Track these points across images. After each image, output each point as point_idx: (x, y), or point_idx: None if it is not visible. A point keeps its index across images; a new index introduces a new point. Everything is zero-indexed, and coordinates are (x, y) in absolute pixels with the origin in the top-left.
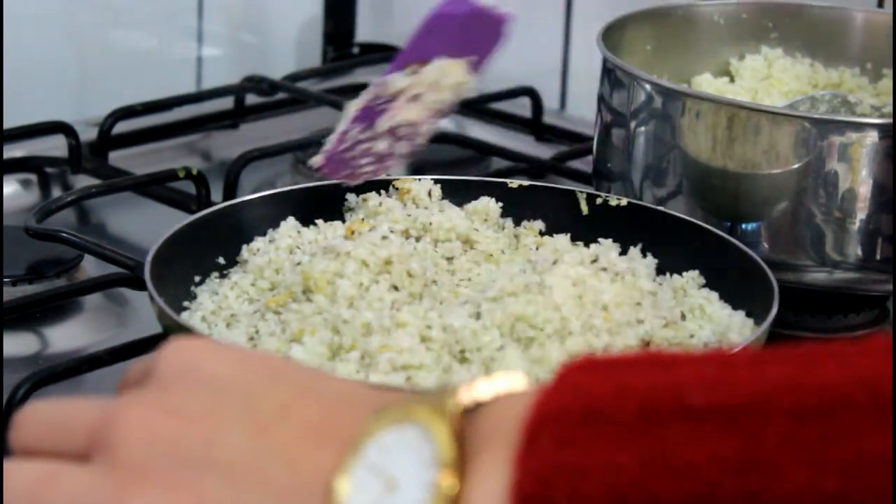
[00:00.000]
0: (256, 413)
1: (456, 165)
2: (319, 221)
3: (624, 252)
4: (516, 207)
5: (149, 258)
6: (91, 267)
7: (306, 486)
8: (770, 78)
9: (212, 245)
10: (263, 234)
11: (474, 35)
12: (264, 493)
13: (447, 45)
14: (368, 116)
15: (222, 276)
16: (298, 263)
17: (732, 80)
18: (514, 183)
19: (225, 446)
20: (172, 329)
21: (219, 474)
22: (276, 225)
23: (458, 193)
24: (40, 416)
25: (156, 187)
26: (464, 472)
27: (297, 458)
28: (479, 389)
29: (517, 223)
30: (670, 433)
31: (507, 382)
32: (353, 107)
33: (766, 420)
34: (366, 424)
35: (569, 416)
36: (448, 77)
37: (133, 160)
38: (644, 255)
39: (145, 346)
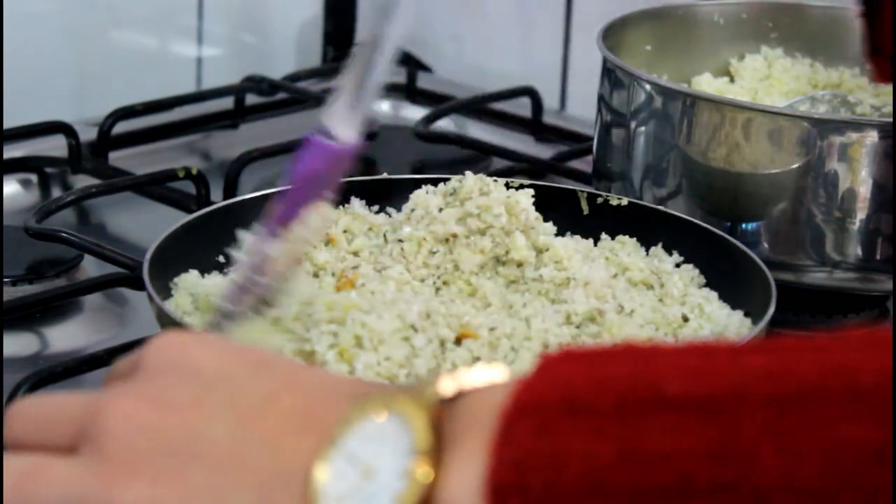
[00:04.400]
0: (240, 403)
1: (456, 165)
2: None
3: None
4: None
5: (147, 257)
6: (91, 267)
7: (288, 475)
8: (770, 78)
9: (212, 244)
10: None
11: (335, 169)
12: (247, 482)
13: (313, 194)
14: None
15: (223, 275)
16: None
17: (732, 80)
18: (514, 183)
19: (209, 436)
20: (172, 328)
21: (203, 464)
22: None
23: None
24: (30, 410)
25: (155, 187)
26: (441, 461)
27: (280, 448)
28: (459, 380)
29: None
30: (648, 423)
31: (489, 373)
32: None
33: (743, 410)
34: (346, 414)
35: (547, 405)
36: (315, 221)
37: (133, 160)
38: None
39: None
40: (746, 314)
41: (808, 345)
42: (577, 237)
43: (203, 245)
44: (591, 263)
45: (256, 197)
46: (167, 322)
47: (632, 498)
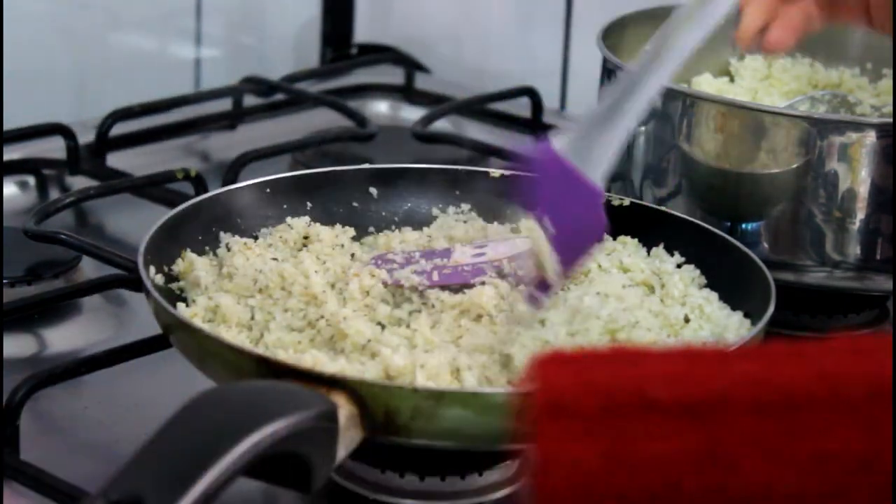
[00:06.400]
0: None
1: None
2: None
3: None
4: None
5: (141, 249)
6: (89, 268)
7: None
8: (770, 78)
9: (211, 243)
10: (262, 228)
11: (557, 198)
12: None
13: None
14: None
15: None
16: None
17: (732, 80)
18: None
19: None
20: (170, 326)
21: None
22: (276, 222)
23: (458, 185)
24: None
25: (154, 189)
26: None
27: None
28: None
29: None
30: (633, 427)
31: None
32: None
33: (728, 415)
34: None
35: (534, 409)
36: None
37: (131, 161)
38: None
39: (144, 347)
40: (746, 314)
41: (795, 352)
42: None
43: (203, 244)
44: (607, 274)
45: (255, 184)
46: (167, 321)
47: (618, 501)
